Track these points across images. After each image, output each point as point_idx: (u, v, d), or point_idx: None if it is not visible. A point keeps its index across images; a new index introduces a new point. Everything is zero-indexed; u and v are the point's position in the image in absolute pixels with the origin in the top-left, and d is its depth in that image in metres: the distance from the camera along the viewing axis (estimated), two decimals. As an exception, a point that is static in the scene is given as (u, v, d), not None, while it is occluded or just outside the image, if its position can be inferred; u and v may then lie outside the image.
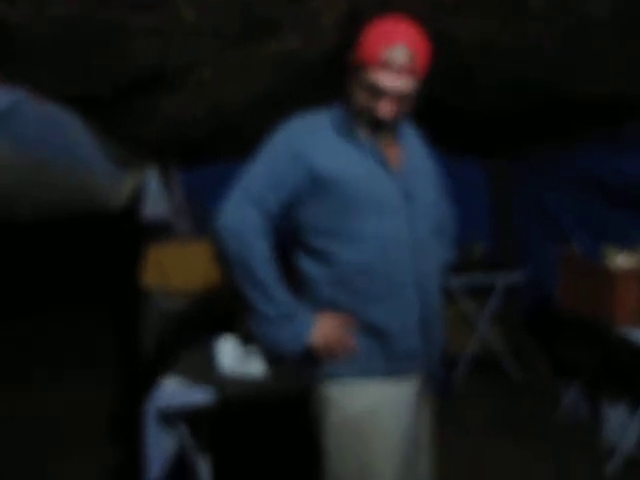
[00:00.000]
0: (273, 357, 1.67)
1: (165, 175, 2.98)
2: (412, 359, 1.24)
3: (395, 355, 1.22)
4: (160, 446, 1.57)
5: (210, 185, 2.94)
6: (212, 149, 2.97)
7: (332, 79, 1.28)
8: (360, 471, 1.20)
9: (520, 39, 1.83)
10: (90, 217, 2.68)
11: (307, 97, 2.26)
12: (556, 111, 2.40)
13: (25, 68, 1.52)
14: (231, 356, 1.75)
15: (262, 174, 1.21)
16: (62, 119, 1.81)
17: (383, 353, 1.22)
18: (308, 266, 1.24)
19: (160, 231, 2.92)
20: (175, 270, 2.78)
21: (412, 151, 1.31)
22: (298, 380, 1.31)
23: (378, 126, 1.20)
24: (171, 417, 1.62)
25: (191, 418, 1.67)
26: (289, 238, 1.28)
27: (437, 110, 2.39)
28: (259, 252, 1.18)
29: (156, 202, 2.88)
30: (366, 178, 1.21)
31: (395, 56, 1.13)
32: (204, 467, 1.81)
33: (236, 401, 1.66)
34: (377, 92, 1.16)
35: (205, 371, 1.74)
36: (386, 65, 1.14)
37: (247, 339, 1.78)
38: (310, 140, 1.21)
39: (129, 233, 2.96)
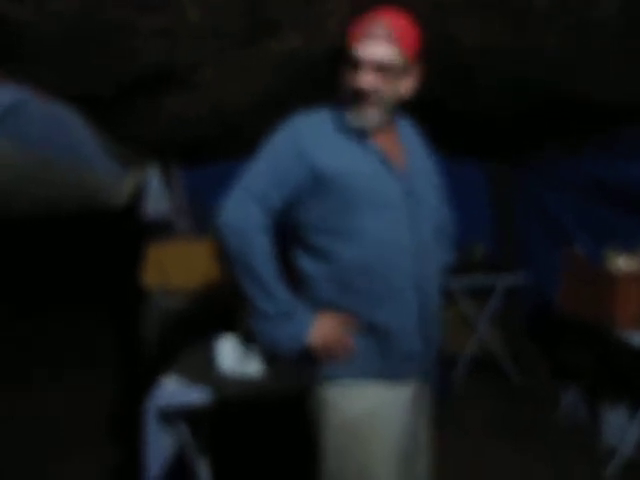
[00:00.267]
0: (271, 356, 1.67)
1: (166, 174, 2.98)
2: (411, 361, 1.24)
3: (394, 357, 1.22)
4: (160, 445, 1.57)
5: (211, 184, 2.94)
6: (214, 148, 2.97)
7: (334, 79, 1.28)
8: (358, 473, 1.20)
9: (521, 41, 1.84)
10: (91, 215, 2.69)
11: (309, 97, 2.27)
12: (557, 113, 2.41)
13: (30, 66, 1.53)
14: (231, 356, 1.75)
15: (264, 172, 1.21)
16: (65, 117, 1.82)
17: (382, 355, 1.22)
18: (308, 265, 1.24)
19: (161, 230, 2.92)
20: (175, 269, 2.78)
21: (414, 151, 1.31)
22: (297, 380, 1.31)
23: (360, 98, 1.17)
24: (171, 416, 1.62)
25: (191, 417, 1.67)
26: (289, 236, 1.28)
27: (438, 112, 2.40)
28: (260, 249, 1.18)
29: (157, 201, 2.88)
30: (368, 177, 1.20)
31: (373, 28, 1.16)
32: (203, 466, 1.81)
33: (236, 401, 1.66)
34: (357, 63, 1.16)
35: (205, 371, 1.74)
36: (365, 36, 1.16)
37: (247, 339, 1.78)
38: (313, 138, 1.20)
39: (130, 231, 2.96)
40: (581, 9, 1.59)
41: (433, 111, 2.18)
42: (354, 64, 1.17)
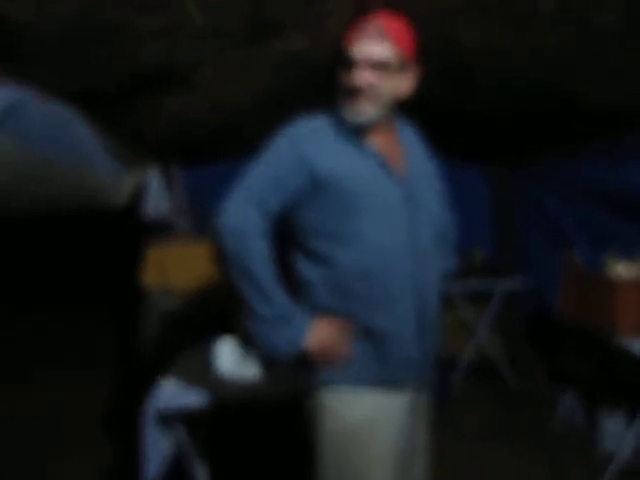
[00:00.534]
0: (268, 360, 1.67)
1: (167, 174, 2.98)
2: (408, 367, 1.24)
3: (391, 363, 1.22)
4: (158, 447, 1.57)
5: (211, 184, 2.94)
6: (214, 148, 2.97)
7: (334, 82, 1.29)
8: (355, 477, 1.20)
9: (522, 43, 1.84)
10: (91, 215, 2.68)
11: (309, 98, 2.27)
12: (557, 116, 2.41)
13: (30, 66, 1.52)
14: (229, 359, 1.75)
15: (264, 175, 1.21)
16: (66, 117, 1.81)
17: (379, 361, 1.22)
18: (306, 269, 1.24)
19: (161, 230, 2.92)
20: (175, 269, 2.78)
21: (414, 155, 1.31)
22: (294, 384, 1.31)
23: (355, 94, 1.18)
24: (169, 419, 1.62)
25: (189, 420, 1.67)
26: (288, 240, 1.28)
27: (439, 116, 2.40)
28: (258, 253, 1.18)
29: (157, 201, 2.88)
30: (368, 181, 1.20)
31: (368, 28, 1.18)
32: (201, 469, 1.81)
33: (233, 404, 1.66)
34: (352, 63, 1.17)
35: (203, 373, 1.74)
36: (359, 37, 1.18)
37: (245, 341, 1.78)
38: (312, 142, 1.20)
39: (130, 231, 2.96)
40: (582, 12, 1.59)
41: (433, 113, 2.18)
42: (350, 64, 1.18)
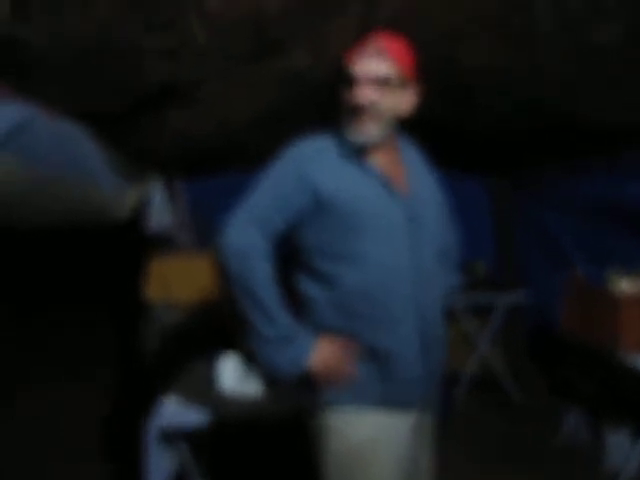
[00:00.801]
0: (271, 379, 1.66)
1: (169, 188, 2.99)
2: (412, 387, 1.23)
3: (395, 383, 1.21)
4: (160, 465, 1.56)
5: (214, 198, 2.96)
6: (217, 163, 2.99)
7: (336, 100, 1.30)
8: None
9: (522, 61, 1.86)
10: (93, 228, 2.70)
11: (312, 114, 2.29)
12: (557, 133, 2.42)
13: (39, 84, 1.54)
14: (232, 376, 1.74)
15: (267, 195, 1.21)
16: (71, 134, 1.84)
17: (383, 381, 1.21)
18: (310, 288, 1.24)
19: (163, 243, 2.93)
20: (177, 283, 2.78)
21: (417, 174, 1.31)
22: (297, 402, 1.31)
23: (358, 113, 1.19)
24: (171, 437, 1.62)
25: (191, 438, 1.66)
26: (291, 260, 1.29)
27: (439, 130, 2.41)
28: (261, 273, 1.18)
29: (160, 214, 2.89)
30: (371, 202, 1.21)
31: (368, 47, 1.20)
32: (203, 486, 1.80)
33: (236, 422, 1.65)
34: (354, 80, 1.19)
35: (205, 391, 1.73)
36: (360, 55, 1.20)
37: (248, 358, 1.77)
38: (316, 163, 1.21)
39: (132, 245, 2.97)
40: (581, 30, 1.61)
41: (434, 129, 2.19)
42: (351, 82, 1.19)
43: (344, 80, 1.20)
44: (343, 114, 1.23)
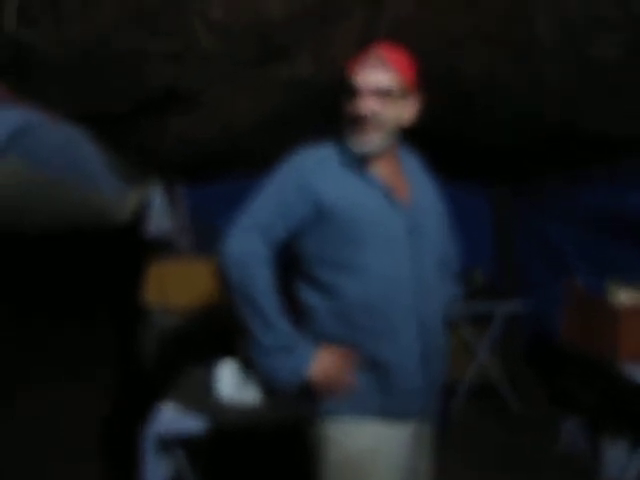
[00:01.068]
0: (269, 387, 1.65)
1: (170, 192, 2.99)
2: (412, 398, 1.23)
3: (395, 394, 1.21)
4: (157, 472, 1.55)
5: (214, 203, 2.96)
6: (219, 168, 2.99)
7: (339, 106, 1.31)
8: None
9: (522, 72, 1.86)
10: (93, 231, 2.69)
11: (314, 121, 2.30)
12: (558, 143, 2.43)
13: (42, 87, 1.54)
14: (230, 383, 1.73)
15: (269, 204, 1.21)
16: (73, 138, 1.84)
17: (383, 392, 1.21)
18: (310, 298, 1.24)
19: (163, 248, 2.92)
20: (176, 287, 2.77)
21: (418, 184, 1.32)
22: (295, 410, 1.30)
23: (361, 123, 1.19)
24: (169, 444, 1.61)
25: (188, 445, 1.65)
26: (292, 269, 1.28)
27: (441, 141, 2.42)
28: (262, 281, 1.18)
29: (160, 219, 2.89)
30: (373, 212, 1.21)
31: (369, 58, 1.20)
32: (199, 494, 1.78)
33: (234, 429, 1.64)
34: (355, 92, 1.19)
35: (203, 397, 1.72)
36: (361, 66, 1.20)
37: (246, 364, 1.77)
38: (317, 172, 1.21)
39: (131, 249, 2.96)
40: (582, 44, 1.62)
41: (436, 138, 2.20)
42: (353, 93, 1.20)
43: (346, 90, 1.21)
44: (345, 124, 1.23)
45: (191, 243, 3.11)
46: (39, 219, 2.17)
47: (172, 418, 1.61)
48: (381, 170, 1.25)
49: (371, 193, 1.22)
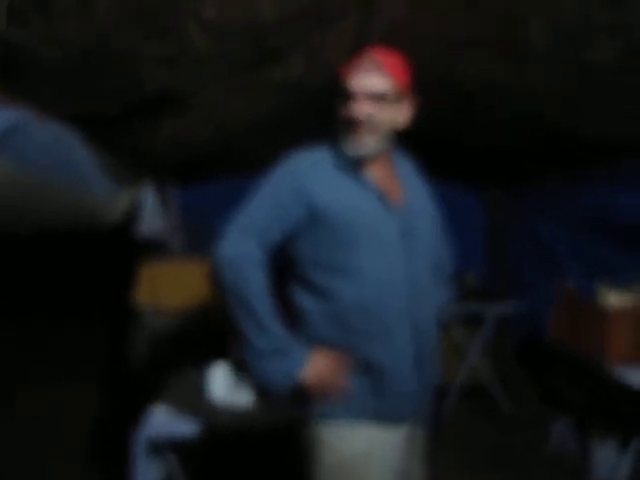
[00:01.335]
0: (263, 390, 1.65)
1: (162, 193, 2.98)
2: (406, 401, 1.23)
3: (388, 397, 1.21)
4: (148, 476, 1.54)
5: (207, 205, 2.95)
6: (212, 169, 2.98)
7: (333, 108, 1.31)
8: None
9: (521, 77, 1.88)
10: (84, 232, 2.67)
11: (307, 123, 2.30)
12: (554, 145, 2.45)
13: (31, 87, 1.52)
14: (222, 385, 1.72)
15: (264, 207, 1.21)
16: (64, 138, 1.82)
17: (376, 395, 1.21)
18: (304, 301, 1.24)
19: (154, 248, 2.90)
20: (168, 289, 2.75)
21: (411, 187, 1.32)
22: (289, 413, 1.30)
23: (355, 126, 1.20)
24: (160, 447, 1.59)
25: (180, 449, 1.64)
26: (287, 272, 1.28)
27: (435, 142, 2.43)
28: (256, 283, 1.18)
29: (151, 219, 2.87)
30: (367, 215, 1.21)
31: (364, 63, 1.21)
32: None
33: (226, 432, 1.63)
34: (350, 95, 1.20)
35: (195, 400, 1.71)
36: (356, 71, 1.20)
37: (239, 366, 1.76)
38: (311, 175, 1.22)
39: (123, 249, 2.94)
40: (576, 48, 1.64)
41: (431, 140, 2.21)
42: (348, 96, 1.20)
43: (341, 94, 1.21)
44: (340, 127, 1.23)
45: (183, 244, 3.09)
46: (29, 220, 2.15)
47: (164, 421, 1.60)
48: (375, 173, 1.25)
49: (365, 196, 1.22)
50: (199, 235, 2.81)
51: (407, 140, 1.34)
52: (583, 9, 1.43)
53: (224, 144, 2.56)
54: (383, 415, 1.21)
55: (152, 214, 2.83)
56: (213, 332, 2.20)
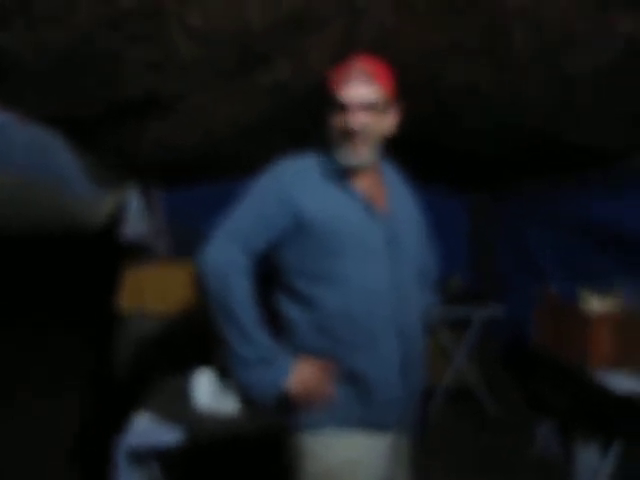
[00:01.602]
0: (248, 400, 1.64)
1: (147, 196, 2.95)
2: (391, 410, 1.23)
3: (374, 406, 1.21)
4: (130, 486, 1.52)
5: (192, 207, 2.93)
6: (198, 172, 2.96)
7: (322, 112, 1.31)
8: None
9: (502, 84, 1.90)
10: (67, 235, 2.63)
11: (295, 128, 2.29)
12: (539, 153, 2.48)
13: (15, 90, 1.50)
14: (206, 392, 1.71)
15: (249, 214, 1.21)
16: (46, 141, 1.79)
17: (362, 403, 1.21)
18: (290, 309, 1.23)
19: (139, 252, 2.87)
20: (152, 292, 2.73)
21: (397, 194, 1.33)
22: (275, 421, 1.29)
23: (351, 137, 1.20)
24: (143, 456, 1.57)
25: (163, 457, 1.62)
26: (272, 281, 1.28)
27: (420, 144, 2.44)
28: (240, 292, 1.17)
29: (136, 222, 2.84)
30: (353, 224, 1.21)
31: (354, 72, 1.20)
32: (174, 506, 1.75)
33: (211, 440, 1.62)
34: (344, 107, 1.20)
35: (179, 407, 1.69)
36: (347, 81, 1.20)
37: (224, 373, 1.74)
38: (298, 184, 1.21)
39: (107, 253, 2.90)
40: (556, 60, 1.66)
41: (412, 143, 2.22)
42: (340, 107, 1.20)
43: (331, 104, 1.21)
44: (332, 137, 1.23)
45: (169, 247, 3.06)
46: (11, 223, 2.11)
47: (146, 429, 1.57)
48: (362, 182, 1.25)
49: (352, 205, 1.22)
50: (185, 238, 2.78)
51: (389, 144, 1.35)
52: (563, 21, 1.45)
53: (211, 148, 2.55)
54: (368, 423, 1.21)
55: (137, 217, 2.80)
56: (198, 337, 2.18)
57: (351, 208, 1.22)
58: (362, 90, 1.19)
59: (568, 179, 2.66)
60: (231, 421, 1.64)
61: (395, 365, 1.22)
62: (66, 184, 2.08)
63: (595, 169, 2.44)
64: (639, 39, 1.46)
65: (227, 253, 1.18)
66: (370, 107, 1.20)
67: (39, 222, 2.23)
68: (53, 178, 1.96)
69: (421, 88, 1.93)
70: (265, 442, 1.50)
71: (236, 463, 2.04)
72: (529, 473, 2.51)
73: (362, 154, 1.22)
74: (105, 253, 2.96)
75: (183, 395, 1.77)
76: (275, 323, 1.24)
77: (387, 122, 1.25)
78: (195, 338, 2.25)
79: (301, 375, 1.18)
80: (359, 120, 1.19)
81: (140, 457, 1.57)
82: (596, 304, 2.16)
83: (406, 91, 1.30)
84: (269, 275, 1.27)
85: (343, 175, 1.23)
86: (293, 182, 1.21)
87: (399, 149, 1.40)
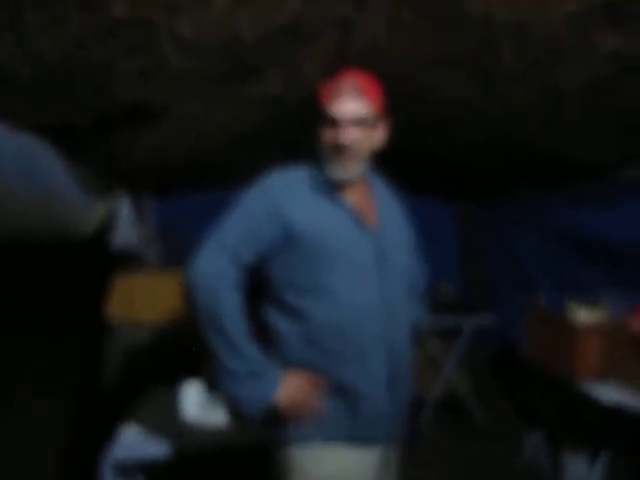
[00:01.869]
0: (237, 413, 1.62)
1: (137, 204, 2.93)
2: (379, 424, 1.23)
3: (362, 419, 1.21)
4: (116, 500, 1.49)
5: (182, 216, 2.92)
6: (187, 181, 2.95)
7: (313, 124, 1.32)
8: None
9: (489, 96, 1.92)
10: (56, 244, 2.60)
11: (286, 138, 2.30)
12: (529, 165, 2.51)
13: (6, 98, 1.49)
14: (195, 404, 1.69)
15: (238, 228, 1.21)
16: (36, 150, 1.79)
17: (350, 417, 1.21)
18: (279, 322, 1.23)
19: (129, 261, 2.85)
20: (142, 301, 2.71)
21: (386, 208, 1.33)
22: (263, 433, 1.28)
23: (342, 152, 1.21)
24: (129, 469, 1.55)
25: (151, 471, 1.60)
26: (261, 293, 1.27)
27: (408, 155, 2.46)
28: (230, 305, 1.16)
29: (126, 231, 2.82)
30: (342, 237, 1.22)
31: (344, 87, 1.21)
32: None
33: (199, 453, 1.60)
34: (335, 122, 1.21)
35: (167, 420, 1.67)
36: (338, 96, 1.20)
37: (212, 385, 1.73)
38: (287, 196, 1.21)
39: (96, 261, 2.87)
40: (544, 74, 1.69)
41: (403, 155, 2.23)
42: (331, 122, 1.21)
43: (322, 119, 1.21)
44: (323, 151, 1.23)
45: (159, 256, 3.05)
46: (1, 233, 2.08)
47: (133, 442, 1.55)
48: (352, 196, 1.26)
49: (341, 219, 1.23)
50: (176, 247, 2.77)
51: (378, 155, 1.36)
52: (551, 37, 1.47)
53: (201, 157, 2.55)
54: (357, 437, 1.21)
55: (127, 225, 2.79)
56: (187, 348, 2.16)
57: (340, 221, 1.23)
58: (352, 105, 1.20)
59: (556, 190, 2.69)
60: (219, 433, 1.63)
61: (383, 380, 1.22)
62: (55, 192, 2.07)
63: (584, 181, 2.47)
64: (625, 55, 1.49)
65: (216, 265, 1.17)
66: (360, 122, 1.20)
67: (28, 230, 2.20)
68: (42, 186, 1.95)
69: (411, 100, 1.95)
70: (253, 455, 1.49)
71: (224, 476, 2.03)
72: (517, 483, 2.51)
73: (352, 169, 1.22)
74: (95, 261, 2.93)
75: (171, 406, 1.75)
76: (264, 335, 1.24)
77: (377, 137, 1.26)
78: (184, 349, 2.23)
79: (290, 389, 1.17)
80: (349, 135, 1.20)
81: (126, 470, 1.55)
82: (584, 315, 2.18)
83: (396, 103, 1.31)
84: (258, 287, 1.26)
85: (333, 188, 1.24)
86: (283, 194, 1.21)
87: (386, 158, 1.41)
